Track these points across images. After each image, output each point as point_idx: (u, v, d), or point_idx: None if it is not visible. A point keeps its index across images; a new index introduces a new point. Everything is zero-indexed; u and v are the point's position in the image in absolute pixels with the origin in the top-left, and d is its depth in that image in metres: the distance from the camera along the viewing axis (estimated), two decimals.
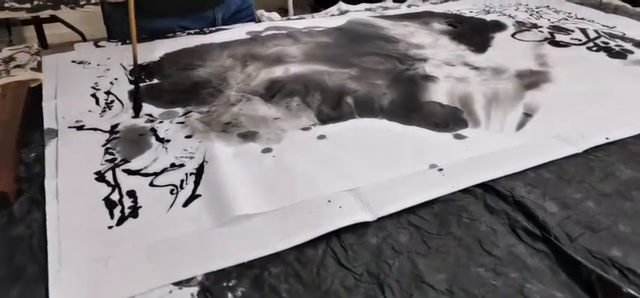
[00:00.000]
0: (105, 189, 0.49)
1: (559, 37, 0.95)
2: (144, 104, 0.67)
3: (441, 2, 1.19)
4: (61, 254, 0.40)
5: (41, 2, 1.18)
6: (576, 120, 0.64)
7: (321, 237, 0.43)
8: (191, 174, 0.52)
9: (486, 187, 0.51)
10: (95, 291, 0.37)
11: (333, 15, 1.10)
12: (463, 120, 0.65)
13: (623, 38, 0.93)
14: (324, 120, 0.64)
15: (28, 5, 1.17)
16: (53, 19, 2.18)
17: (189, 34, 0.96)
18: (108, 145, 0.57)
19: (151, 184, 0.50)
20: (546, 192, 0.50)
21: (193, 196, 0.48)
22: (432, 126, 0.63)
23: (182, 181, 0.51)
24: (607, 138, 0.59)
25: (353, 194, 0.49)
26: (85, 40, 2.64)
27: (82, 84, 0.72)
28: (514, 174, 0.53)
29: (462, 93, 0.72)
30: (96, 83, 0.73)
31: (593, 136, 0.60)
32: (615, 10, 1.13)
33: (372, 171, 0.53)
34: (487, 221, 0.46)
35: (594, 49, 0.89)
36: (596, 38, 0.94)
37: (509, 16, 1.08)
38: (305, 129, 0.62)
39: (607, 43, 0.91)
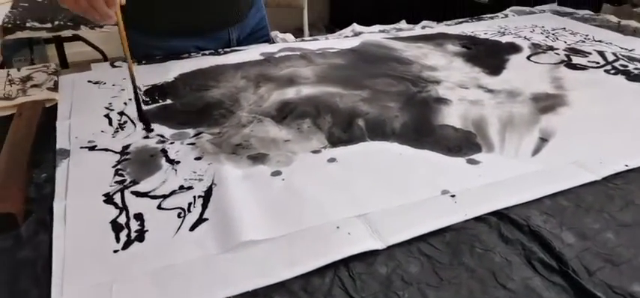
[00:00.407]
0: (113, 212, 0.49)
1: (576, 59, 0.93)
2: (156, 125, 0.67)
3: (456, 24, 1.19)
4: (64, 279, 0.40)
5: (62, 22, 1.20)
6: (594, 146, 0.62)
7: (329, 265, 0.42)
8: (199, 196, 0.52)
9: (501, 215, 0.49)
10: None
11: (347, 36, 1.10)
12: (477, 145, 0.63)
13: None
14: (334, 142, 0.64)
15: (48, 25, 1.19)
16: (75, 37, 2.23)
17: (204, 54, 0.97)
18: (118, 166, 0.57)
19: (159, 207, 0.50)
20: (563, 221, 0.48)
21: (200, 220, 0.48)
22: (445, 150, 0.62)
23: (190, 204, 0.50)
24: (627, 166, 0.58)
25: (362, 220, 0.48)
26: (105, 58, 2.70)
27: (96, 104, 0.73)
28: (530, 201, 0.51)
29: (475, 116, 0.71)
30: (110, 103, 0.73)
31: (613, 163, 0.58)
32: (634, 32, 1.11)
33: (383, 197, 0.52)
34: (501, 251, 0.45)
35: (612, 72, 0.87)
36: (614, 61, 0.92)
37: (525, 37, 1.06)
38: (315, 151, 0.61)
39: (626, 66, 0.89)
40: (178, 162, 0.58)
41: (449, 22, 1.20)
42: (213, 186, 0.54)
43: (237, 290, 0.39)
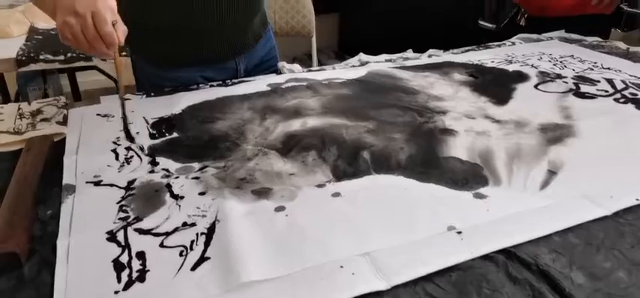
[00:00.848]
0: (115, 250, 0.48)
1: (584, 87, 0.93)
2: (162, 158, 0.68)
3: (462, 52, 1.19)
4: None
5: (74, 54, 1.23)
6: (604, 179, 0.61)
7: None
8: (202, 233, 0.51)
9: (508, 253, 0.48)
10: None
11: (353, 66, 1.10)
12: (484, 178, 0.63)
13: None
14: (339, 176, 0.63)
15: (61, 57, 1.22)
16: (88, 66, 2.28)
17: (211, 85, 0.98)
18: (123, 202, 0.57)
19: (161, 245, 0.50)
20: (573, 260, 0.47)
21: (202, 258, 0.48)
22: (451, 184, 0.61)
23: (192, 242, 0.50)
24: (638, 200, 0.56)
25: (366, 259, 0.47)
26: (118, 87, 2.75)
27: (103, 138, 0.73)
28: (538, 238, 0.50)
29: (482, 148, 0.70)
30: (118, 138, 0.74)
31: (623, 197, 0.57)
32: None
33: (388, 233, 0.51)
34: (509, 292, 0.43)
35: (622, 100, 0.86)
36: (623, 89, 0.91)
37: (532, 66, 1.06)
38: (320, 185, 0.61)
39: (635, 95, 0.88)
40: (182, 197, 0.58)
41: (455, 51, 1.20)
42: (216, 222, 0.53)
43: None
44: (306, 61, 2.91)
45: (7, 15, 1.43)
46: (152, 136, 0.75)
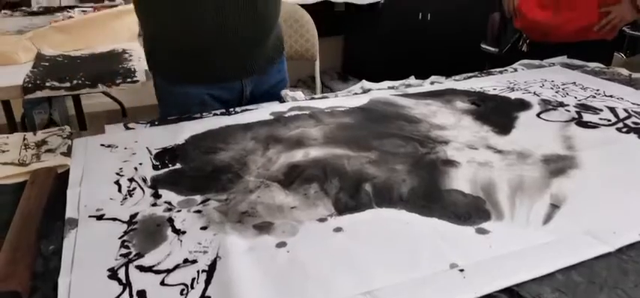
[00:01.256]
0: (116, 289, 0.48)
1: (587, 116, 0.93)
2: (164, 191, 0.68)
3: (465, 79, 1.19)
4: None
5: (80, 82, 1.24)
6: (607, 213, 0.61)
7: None
8: (203, 271, 0.51)
9: (511, 292, 0.48)
10: None
11: (356, 93, 1.11)
12: (486, 212, 0.62)
13: None
14: (341, 210, 0.63)
15: (67, 84, 1.23)
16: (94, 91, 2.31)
17: (215, 114, 0.99)
18: (125, 237, 0.57)
19: (162, 283, 0.50)
20: None
21: (202, 297, 0.47)
22: (453, 218, 0.61)
23: (193, 280, 0.50)
24: None
25: None
26: (123, 110, 2.77)
27: (106, 170, 0.74)
28: (541, 277, 0.50)
29: (484, 180, 0.70)
30: (121, 169, 0.74)
31: (626, 232, 0.56)
32: None
33: (390, 271, 0.51)
34: None
35: (624, 130, 0.86)
36: (626, 118, 0.91)
37: (534, 93, 1.06)
38: (321, 220, 0.61)
39: (638, 124, 0.88)
40: (184, 232, 0.58)
41: (457, 77, 1.20)
42: (217, 259, 0.53)
43: None
44: (310, 83, 2.93)
45: (15, 41, 1.45)
46: (155, 167, 0.75)
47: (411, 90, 1.11)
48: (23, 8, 2.11)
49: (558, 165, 0.74)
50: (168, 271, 0.51)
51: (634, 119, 0.90)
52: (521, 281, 0.49)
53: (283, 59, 1.19)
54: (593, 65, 1.27)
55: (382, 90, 1.12)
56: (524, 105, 1.00)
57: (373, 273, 0.51)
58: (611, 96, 1.04)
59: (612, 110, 0.95)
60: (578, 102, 1.00)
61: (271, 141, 0.85)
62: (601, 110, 0.96)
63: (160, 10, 1.00)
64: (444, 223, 0.60)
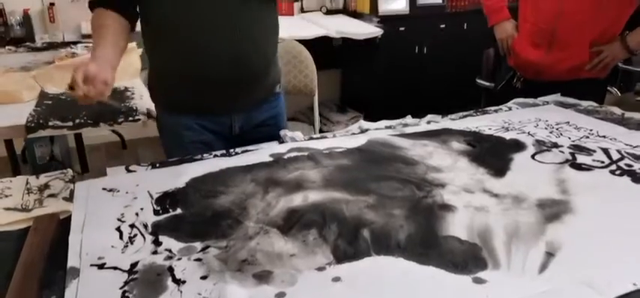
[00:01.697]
0: None
1: (580, 158, 0.94)
2: (165, 237, 0.69)
3: (460, 118, 1.21)
4: None
5: (82, 121, 1.26)
6: (602, 261, 0.62)
7: None
8: None
9: None
10: None
11: (353, 133, 1.13)
12: (482, 260, 0.63)
13: None
14: (340, 257, 0.64)
15: (70, 123, 1.25)
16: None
17: (215, 155, 1.00)
18: (125, 287, 0.58)
19: None
20: None
21: None
22: (450, 267, 0.62)
23: None
24: (635, 284, 0.57)
25: None
26: (123, 142, 2.79)
27: (108, 215, 0.75)
28: None
29: (481, 226, 0.71)
30: (122, 214, 0.75)
31: (620, 281, 0.58)
32: (638, 125, 1.12)
33: None
34: None
35: (617, 172, 0.88)
36: (619, 160, 0.93)
37: (529, 133, 1.08)
38: (320, 269, 0.62)
39: (631, 166, 0.90)
40: (184, 282, 0.59)
41: (453, 116, 1.22)
42: None
43: None
44: (309, 114, 2.96)
45: (20, 80, 1.47)
46: (156, 212, 0.76)
47: (408, 130, 1.13)
48: (27, 44, 2.16)
49: (553, 210, 0.75)
50: None
51: (627, 161, 0.92)
52: None
53: (278, 97, 1.20)
54: (586, 104, 1.29)
55: (380, 130, 1.14)
56: (519, 146, 1.02)
57: None
58: (604, 136, 1.06)
59: (606, 151, 0.97)
60: (572, 143, 1.02)
61: (271, 184, 0.86)
62: (594, 151, 0.97)
63: (155, 41, 1.05)
64: (441, 272, 0.61)
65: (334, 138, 1.10)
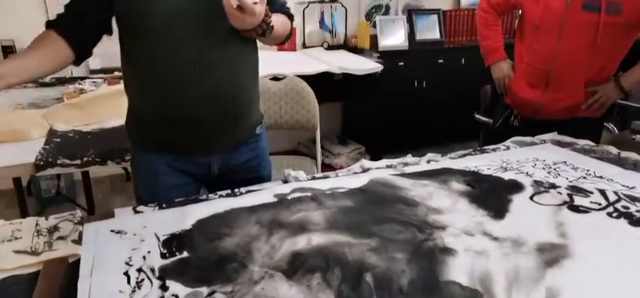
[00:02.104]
0: None
1: (578, 199, 0.96)
2: (171, 282, 0.71)
3: (459, 157, 1.24)
4: None
5: (90, 159, 1.29)
6: None
7: None
8: None
9: None
10: None
11: (355, 173, 1.15)
12: None
13: None
14: None
15: (78, 162, 1.28)
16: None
17: (221, 196, 1.02)
18: None
19: None
20: None
21: None
22: None
23: None
24: None
25: None
26: (128, 174, 2.82)
27: (116, 259, 0.76)
28: None
29: (481, 271, 0.73)
30: (130, 258, 0.77)
31: None
32: (634, 165, 1.14)
33: None
34: None
35: (615, 214, 0.90)
36: (616, 201, 0.95)
37: (527, 174, 1.10)
38: None
39: (627, 208, 0.92)
40: None
41: (453, 155, 1.25)
42: None
43: None
44: (311, 147, 2.99)
45: (29, 118, 1.51)
46: (163, 255, 0.78)
47: (408, 169, 1.15)
48: (36, 80, 2.20)
49: (552, 255, 0.77)
50: None
51: (623, 203, 0.94)
52: None
53: (259, 138, 1.20)
54: (582, 142, 1.32)
55: (381, 169, 1.16)
56: (517, 187, 1.04)
57: None
58: (601, 177, 1.08)
59: (603, 193, 0.99)
60: (570, 184, 1.04)
61: (275, 226, 0.88)
62: (591, 192, 0.99)
63: (134, 77, 1.05)
64: None
65: (337, 177, 1.12)
